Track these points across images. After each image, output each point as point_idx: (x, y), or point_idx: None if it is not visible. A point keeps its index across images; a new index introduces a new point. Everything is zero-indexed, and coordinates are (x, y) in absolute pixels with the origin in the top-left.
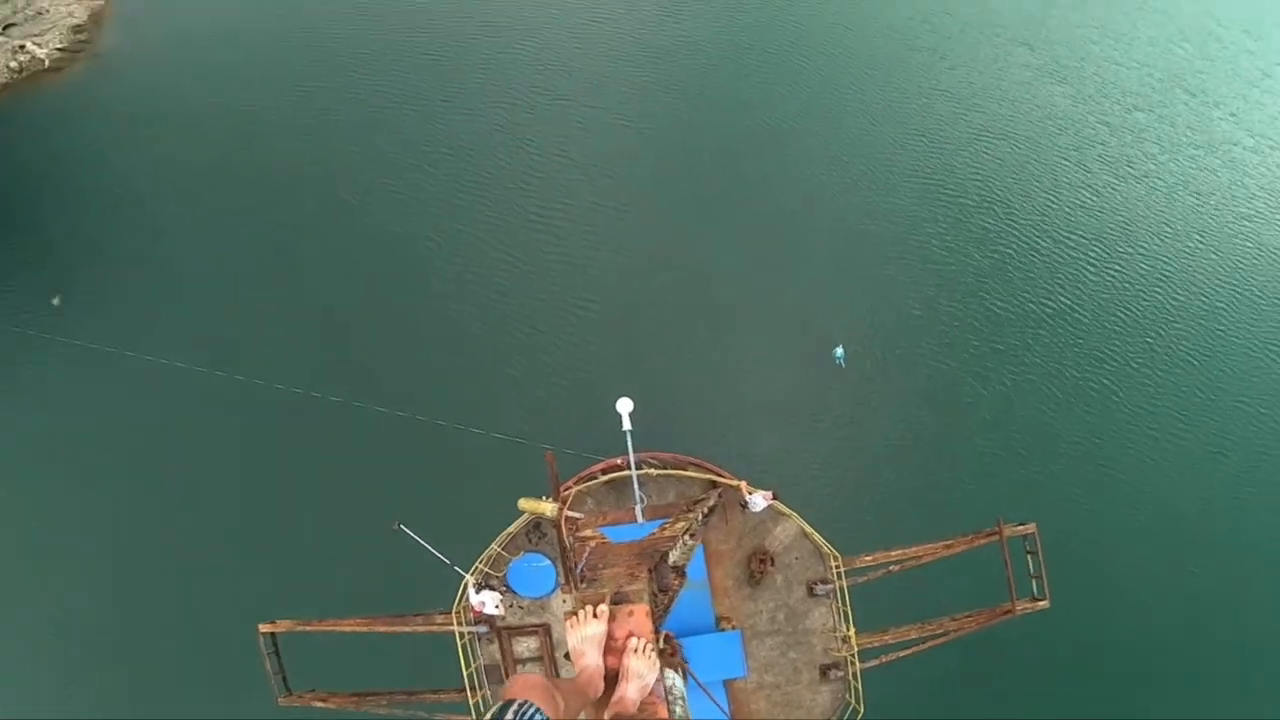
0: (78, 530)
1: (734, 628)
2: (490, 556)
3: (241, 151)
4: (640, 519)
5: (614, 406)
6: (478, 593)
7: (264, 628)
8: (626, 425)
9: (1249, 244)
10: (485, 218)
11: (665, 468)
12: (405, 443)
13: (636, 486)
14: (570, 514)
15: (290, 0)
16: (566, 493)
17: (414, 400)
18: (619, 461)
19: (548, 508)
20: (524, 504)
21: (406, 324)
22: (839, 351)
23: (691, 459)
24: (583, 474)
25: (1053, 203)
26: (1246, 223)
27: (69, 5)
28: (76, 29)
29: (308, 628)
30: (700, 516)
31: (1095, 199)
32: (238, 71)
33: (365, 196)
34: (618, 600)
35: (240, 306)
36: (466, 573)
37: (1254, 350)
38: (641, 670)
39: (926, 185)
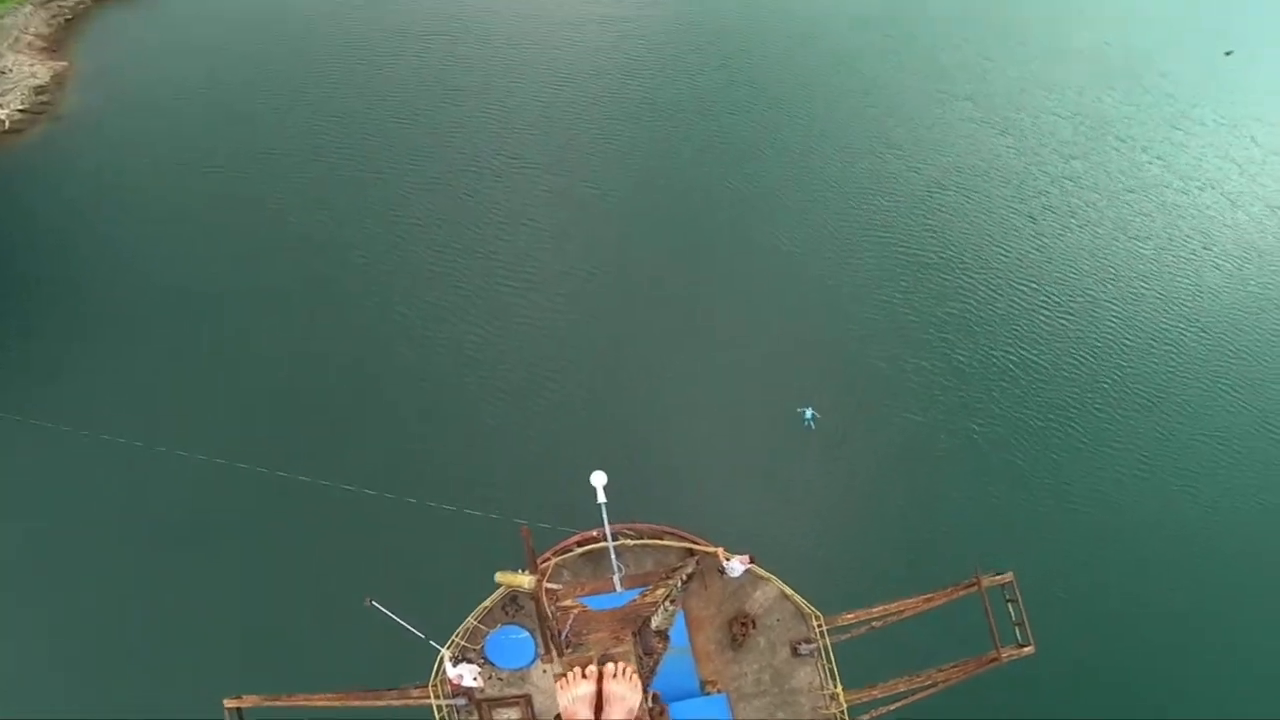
0: (46, 605)
1: (720, 691)
2: (467, 630)
3: (205, 218)
4: (619, 588)
5: (588, 479)
6: (455, 666)
7: (229, 702)
8: (601, 498)
9: (1187, 284)
10: (454, 285)
11: (641, 538)
12: (376, 519)
13: (614, 557)
14: (549, 585)
15: (254, 60)
16: (544, 565)
17: (384, 476)
18: (595, 534)
19: (525, 580)
20: (501, 577)
21: (374, 397)
22: (808, 413)
23: (668, 528)
24: (558, 546)
25: (1004, 254)
26: (1184, 263)
27: (31, 65)
28: (39, 90)
29: (277, 702)
30: (679, 583)
31: (1043, 248)
32: (200, 135)
33: (333, 265)
34: (604, 662)
35: (205, 384)
36: (443, 647)
37: (1205, 385)
38: (623, 693)
39: (884, 242)
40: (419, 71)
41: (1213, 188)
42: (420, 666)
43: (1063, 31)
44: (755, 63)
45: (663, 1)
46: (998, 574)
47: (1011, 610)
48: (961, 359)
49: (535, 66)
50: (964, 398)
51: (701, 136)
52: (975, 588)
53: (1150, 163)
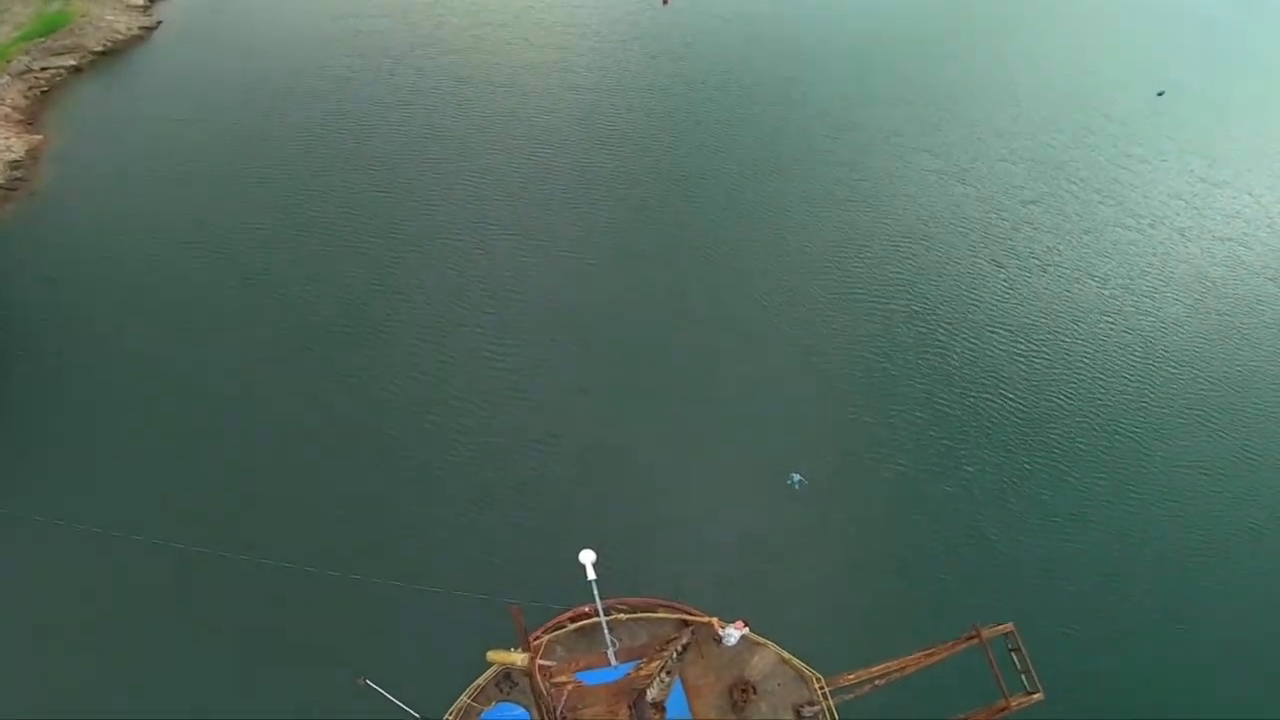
0: (29, 696)
1: None
2: (460, 709)
3: (183, 294)
4: (614, 661)
5: (577, 557)
6: None
7: None
8: (591, 575)
9: (1150, 319)
10: (440, 359)
11: (635, 611)
12: (365, 602)
13: (607, 632)
14: (542, 662)
15: (232, 131)
16: (537, 642)
17: (371, 558)
18: (587, 609)
19: (518, 658)
20: (493, 656)
21: (360, 478)
22: (795, 477)
23: (661, 601)
24: (551, 623)
25: (975, 301)
26: (1145, 299)
27: (6, 139)
28: (14, 165)
29: None
30: (675, 654)
31: (1010, 293)
32: (178, 208)
33: (316, 341)
34: None
35: (187, 467)
36: None
37: (1181, 414)
38: None
39: (857, 297)
40: (398, 141)
41: (1163, 223)
42: None
43: (1007, 80)
44: (723, 129)
45: (631, 71)
46: (997, 625)
47: (1016, 659)
48: (944, 406)
49: (510, 136)
50: (950, 444)
51: (674, 203)
52: (976, 640)
53: (1102, 203)
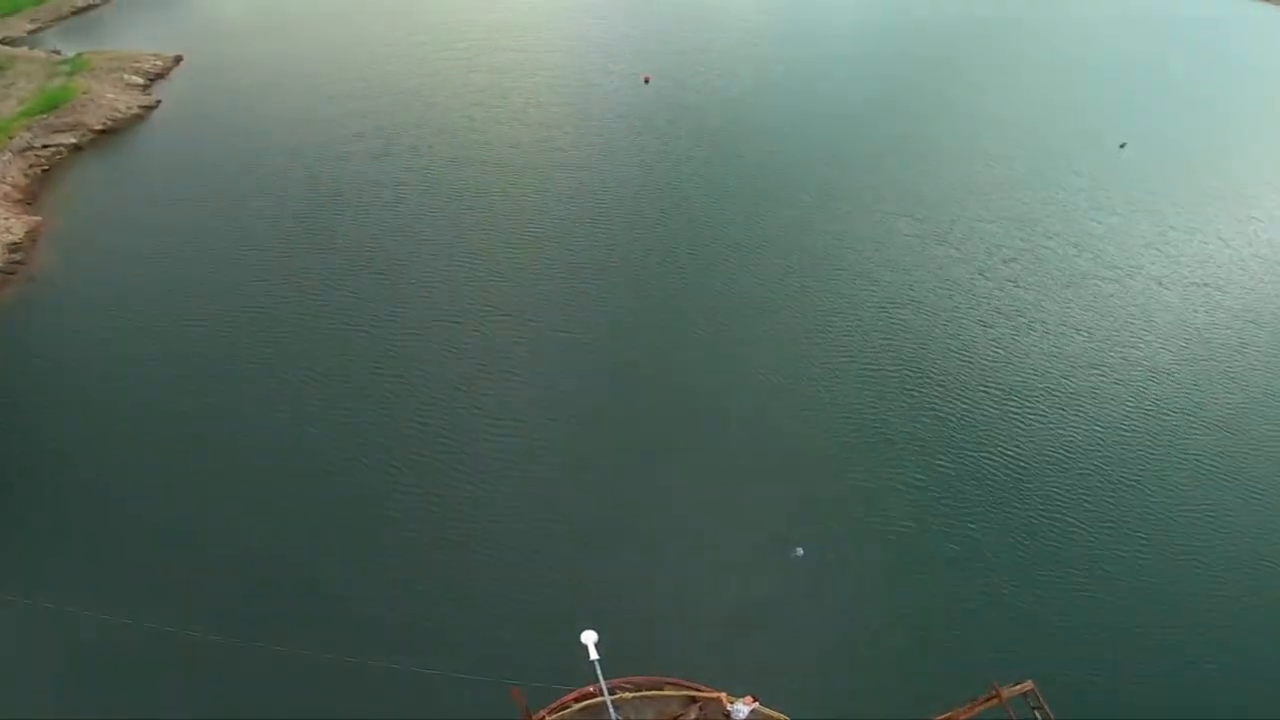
0: None
1: None
2: None
3: (186, 379)
4: None
5: (579, 638)
6: None
7: None
8: (593, 655)
9: (1138, 369)
10: (438, 441)
11: (640, 690)
12: (362, 685)
13: (612, 711)
14: None
15: (234, 210)
16: None
17: (367, 640)
18: (591, 689)
19: None
20: None
21: (356, 561)
22: (799, 551)
23: (667, 678)
24: (555, 704)
25: (965, 362)
26: (1131, 349)
27: (5, 220)
28: (12, 247)
29: None
30: None
31: (1000, 352)
32: (179, 289)
33: (315, 425)
34: None
35: (187, 555)
36: None
37: (1182, 460)
38: None
39: (847, 365)
40: (393, 222)
41: (1139, 273)
42: None
43: (976, 141)
44: (709, 203)
45: (617, 148)
46: (1017, 684)
47: (1039, 718)
48: (943, 467)
49: (502, 215)
50: (953, 504)
51: (665, 278)
52: (995, 700)
53: (1079, 256)
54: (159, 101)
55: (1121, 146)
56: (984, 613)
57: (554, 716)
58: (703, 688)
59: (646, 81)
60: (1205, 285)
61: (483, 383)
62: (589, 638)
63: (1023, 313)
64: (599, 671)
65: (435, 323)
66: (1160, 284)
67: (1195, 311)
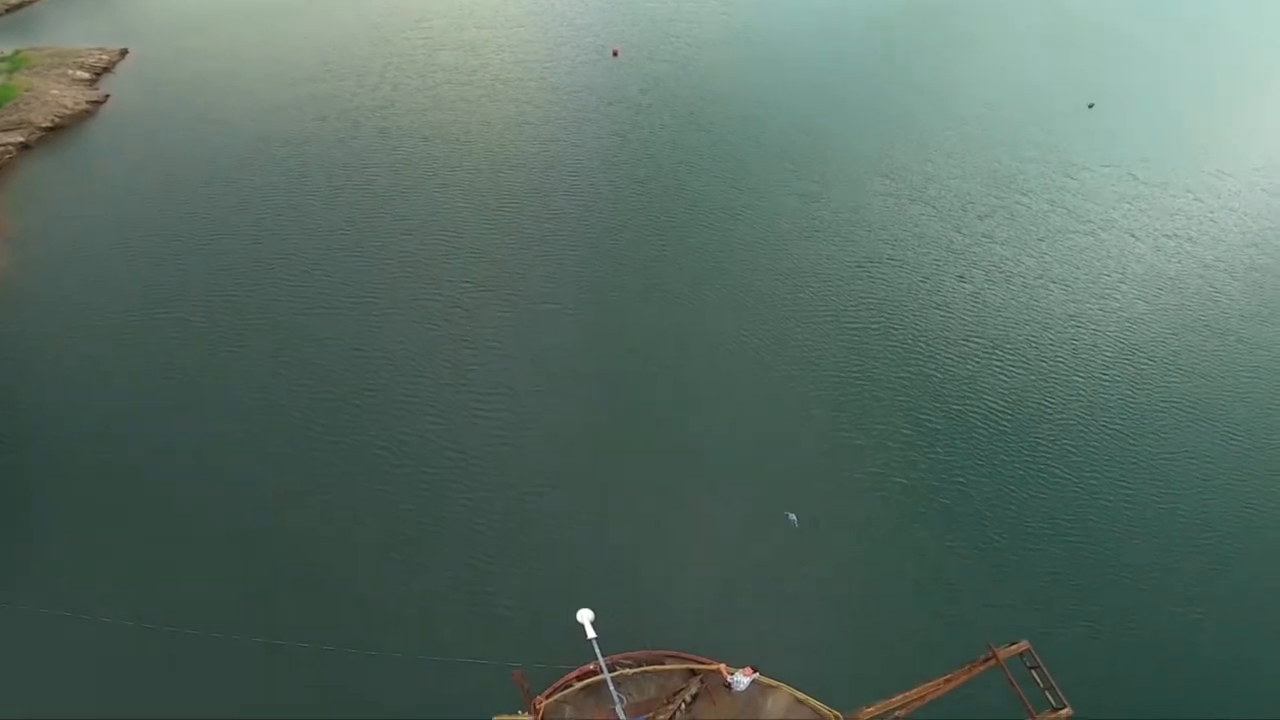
0: None
1: None
2: None
3: (154, 378)
4: (623, 719)
5: (575, 617)
6: None
7: None
8: (591, 634)
9: (1115, 319)
10: (428, 419)
11: (641, 665)
12: (365, 674)
13: (613, 688)
14: None
15: (198, 205)
16: (542, 704)
17: (367, 629)
18: (591, 667)
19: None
20: None
21: (351, 550)
22: (791, 516)
23: (667, 653)
24: (557, 683)
25: (946, 317)
26: (1109, 300)
27: None
28: None
29: None
30: (683, 706)
31: (979, 305)
32: (140, 285)
33: (298, 413)
34: None
35: (168, 551)
36: None
37: (1164, 407)
38: None
39: (830, 324)
40: (365, 204)
41: (1113, 226)
42: None
43: (948, 103)
44: (685, 171)
45: (589, 120)
46: (1013, 643)
47: (1037, 677)
48: (930, 421)
49: (477, 191)
50: (941, 457)
51: (644, 247)
52: (993, 661)
53: (1052, 212)
54: (107, 96)
55: (1090, 106)
56: (977, 565)
57: (556, 696)
58: (703, 659)
59: (615, 55)
60: (1177, 237)
61: (467, 356)
62: (585, 616)
63: (999, 267)
64: (598, 650)
65: (415, 300)
66: (1133, 237)
67: (1168, 262)
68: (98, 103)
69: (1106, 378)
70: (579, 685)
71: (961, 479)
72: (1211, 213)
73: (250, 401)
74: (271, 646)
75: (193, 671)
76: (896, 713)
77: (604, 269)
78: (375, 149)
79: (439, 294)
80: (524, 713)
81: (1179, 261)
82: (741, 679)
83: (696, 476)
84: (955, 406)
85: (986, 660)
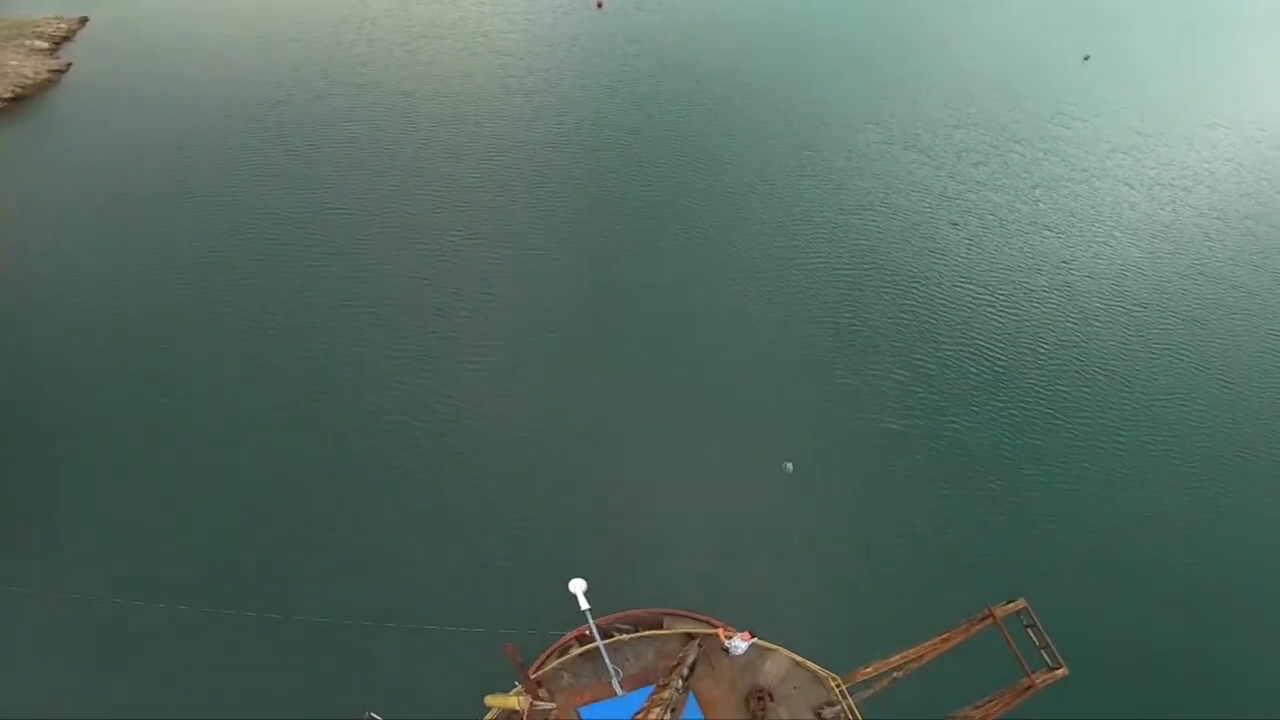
0: None
1: None
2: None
3: (138, 356)
4: (619, 691)
5: (568, 577)
6: None
7: None
8: (584, 604)
9: (1107, 264)
10: (411, 367)
11: (638, 628)
12: (359, 646)
13: (607, 660)
14: (540, 704)
15: (174, 167)
16: (540, 673)
17: (359, 600)
18: (586, 630)
19: (514, 702)
20: (490, 700)
21: (340, 522)
22: (788, 466)
23: (664, 610)
24: (555, 646)
25: (938, 259)
26: (1102, 246)
27: None
28: None
29: None
30: (679, 684)
31: (972, 249)
32: (121, 254)
33: (288, 378)
34: None
35: (158, 529)
36: None
37: (1150, 352)
38: None
39: (824, 269)
40: (346, 159)
41: (1107, 175)
42: None
43: (944, 54)
44: (676, 119)
45: (575, 71)
46: (1009, 602)
47: (1033, 636)
48: (923, 363)
49: (462, 143)
50: (934, 400)
51: (634, 196)
52: (990, 620)
53: (1046, 160)
54: (69, 65)
55: (1085, 59)
56: (971, 512)
57: (556, 663)
58: (700, 617)
59: (600, 6)
60: (1171, 186)
61: (456, 306)
62: (577, 586)
63: (994, 213)
64: (591, 621)
65: (402, 253)
66: (1128, 185)
67: (1162, 209)
68: (60, 71)
69: (1099, 322)
70: (577, 652)
71: (955, 422)
72: (1206, 163)
73: (234, 364)
74: (258, 621)
75: (184, 647)
76: (895, 673)
77: (593, 218)
78: (354, 106)
79: (426, 247)
80: (518, 688)
81: (1173, 209)
82: (739, 644)
83: (690, 423)
84: (949, 350)
85: (984, 619)
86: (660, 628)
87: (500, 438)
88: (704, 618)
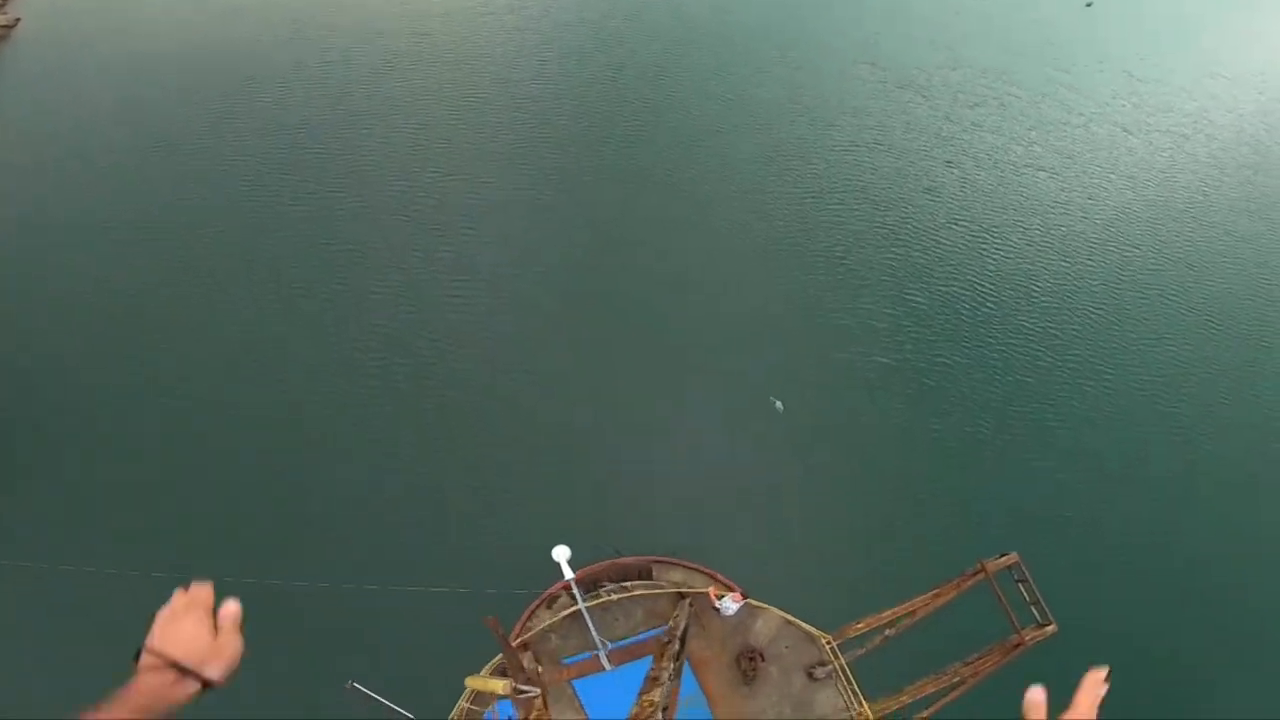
0: None
1: None
2: (462, 711)
3: (121, 311)
4: (607, 666)
5: (551, 554)
6: None
7: None
8: (568, 574)
9: (1102, 207)
10: (395, 297)
11: (625, 578)
12: (341, 609)
13: (595, 633)
14: (524, 692)
15: (141, 120)
16: (524, 637)
17: (337, 563)
18: (567, 584)
19: (498, 685)
20: (472, 682)
21: (316, 485)
22: (778, 404)
23: (653, 558)
24: (538, 600)
25: (933, 199)
26: (1096, 189)
27: None
28: None
29: None
30: (669, 675)
31: (966, 190)
32: (97, 206)
33: (266, 331)
34: None
35: (135, 494)
36: None
37: (1141, 295)
38: None
39: (813, 207)
40: (322, 100)
41: (1105, 120)
42: None
43: None
44: (665, 59)
45: (556, 10)
46: (1002, 555)
47: (1024, 591)
48: (915, 300)
49: (444, 84)
50: (924, 336)
51: (623, 135)
52: (982, 575)
53: (1044, 103)
54: (18, 20)
55: (1088, 5)
56: (962, 458)
57: (543, 625)
58: (691, 565)
59: None
60: (1170, 133)
61: (438, 244)
62: (561, 554)
63: (989, 154)
64: (576, 592)
65: (381, 194)
66: (1126, 131)
67: (1159, 155)
68: (8, 27)
69: (1091, 263)
70: (566, 613)
71: (945, 360)
72: (1206, 111)
73: (212, 314)
74: (234, 586)
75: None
76: (887, 630)
77: (578, 156)
78: (326, 49)
79: (406, 185)
80: (499, 664)
81: (1170, 155)
82: (730, 604)
83: (676, 360)
84: (940, 288)
85: (975, 574)
86: (650, 577)
87: (481, 381)
88: (695, 565)
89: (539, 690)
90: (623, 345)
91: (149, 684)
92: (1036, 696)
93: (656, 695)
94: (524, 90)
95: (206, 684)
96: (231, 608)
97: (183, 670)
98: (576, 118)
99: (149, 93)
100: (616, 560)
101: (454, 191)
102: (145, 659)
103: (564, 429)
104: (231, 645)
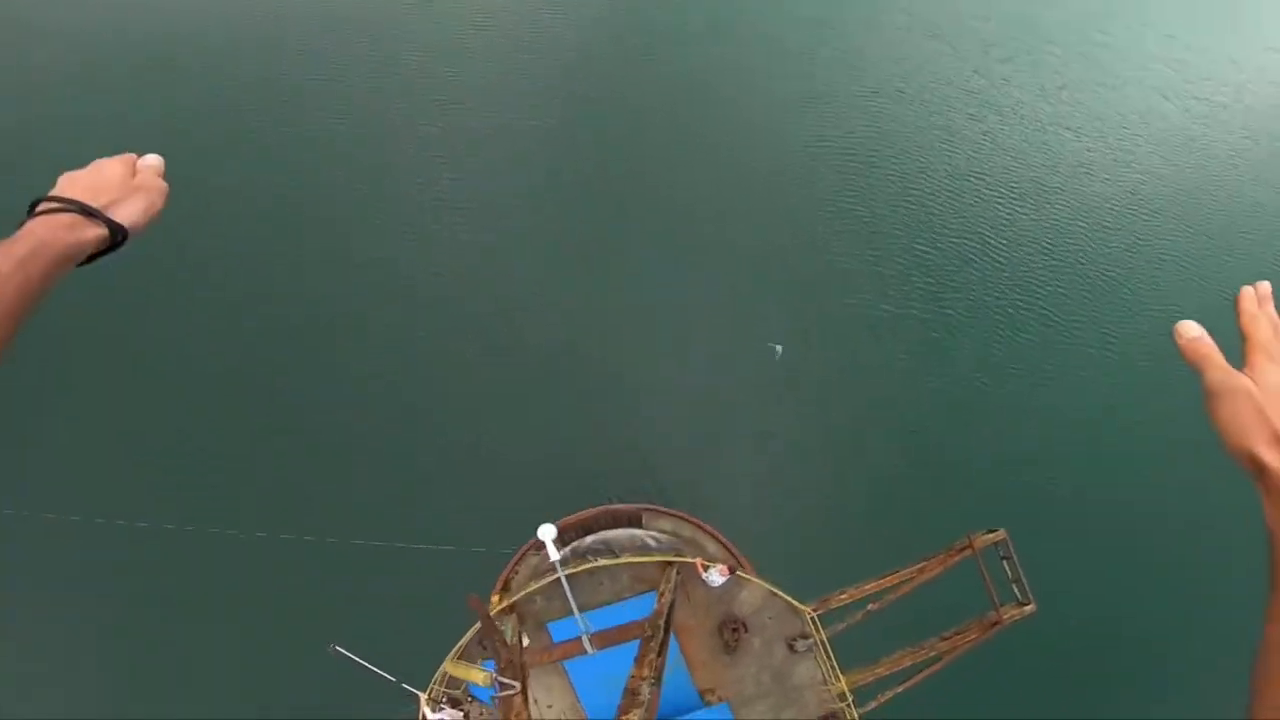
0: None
1: (720, 699)
2: (444, 676)
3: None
4: (590, 649)
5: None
6: (435, 712)
7: None
8: (554, 555)
9: (1127, 170)
10: (394, 225)
11: (616, 523)
12: (323, 567)
13: (578, 616)
14: (506, 687)
15: (119, 78)
16: (508, 602)
17: (322, 520)
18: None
19: (479, 675)
20: (452, 669)
21: (298, 434)
22: (777, 348)
23: (644, 506)
24: (522, 550)
25: (951, 150)
26: (1123, 152)
27: None
28: None
29: None
30: (654, 672)
31: (986, 143)
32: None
33: (256, 284)
34: None
35: (123, 449)
36: (415, 689)
37: (1164, 266)
38: None
39: (830, 151)
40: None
41: (1141, 83)
42: (385, 712)
43: None
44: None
45: None
46: (990, 532)
47: (1008, 569)
48: (925, 251)
49: (438, 11)
50: (929, 285)
51: (623, 69)
52: (969, 550)
53: (1077, 62)
54: None
55: None
56: (960, 418)
57: (534, 588)
58: (681, 514)
59: None
60: (1209, 101)
61: (440, 169)
62: (547, 533)
63: (1015, 110)
64: (562, 574)
65: (376, 117)
66: (1162, 96)
67: (1193, 123)
68: None
69: (1109, 224)
70: (551, 579)
71: (951, 311)
72: (1250, 82)
73: (189, 278)
74: (209, 537)
75: (130, 566)
76: (871, 604)
77: (583, 85)
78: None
79: (403, 105)
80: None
81: (1205, 124)
82: (716, 576)
83: (676, 300)
84: (951, 238)
85: (963, 548)
86: (639, 523)
87: (473, 320)
88: (684, 515)
89: (519, 687)
90: (621, 283)
91: (35, 229)
92: (1191, 329)
93: (644, 696)
94: (537, 17)
95: (117, 231)
96: (151, 158)
97: (86, 211)
98: (582, 46)
99: (110, 59)
100: (609, 507)
101: (456, 115)
102: (42, 207)
103: (554, 371)
104: (151, 187)
